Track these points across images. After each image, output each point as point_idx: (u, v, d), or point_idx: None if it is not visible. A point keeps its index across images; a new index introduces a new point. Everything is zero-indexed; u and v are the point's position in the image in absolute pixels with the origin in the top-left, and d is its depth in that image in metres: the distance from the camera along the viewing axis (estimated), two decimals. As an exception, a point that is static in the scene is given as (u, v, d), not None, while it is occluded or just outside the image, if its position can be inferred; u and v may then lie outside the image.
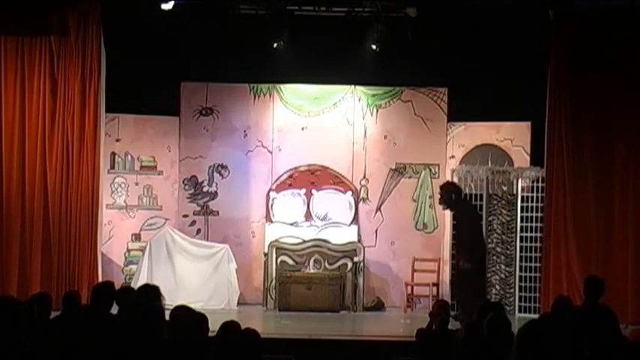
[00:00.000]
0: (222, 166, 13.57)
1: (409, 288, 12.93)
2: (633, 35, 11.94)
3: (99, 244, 12.33)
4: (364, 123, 13.63)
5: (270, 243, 13.02)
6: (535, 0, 12.08)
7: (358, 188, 13.58)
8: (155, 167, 13.55)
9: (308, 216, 13.44)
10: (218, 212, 13.54)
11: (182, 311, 6.28)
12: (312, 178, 13.51)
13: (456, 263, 12.10)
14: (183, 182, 13.54)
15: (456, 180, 13.03)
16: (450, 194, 12.12)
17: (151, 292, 6.99)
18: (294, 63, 13.06)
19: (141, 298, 6.84)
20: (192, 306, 6.63)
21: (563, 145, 12.20)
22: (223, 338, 5.56)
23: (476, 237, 12.01)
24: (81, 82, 12.20)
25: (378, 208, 13.55)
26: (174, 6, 12.11)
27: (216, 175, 13.56)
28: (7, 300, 6.61)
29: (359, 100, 13.65)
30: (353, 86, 13.61)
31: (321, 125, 13.63)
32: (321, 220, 13.38)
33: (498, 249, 12.79)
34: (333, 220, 13.39)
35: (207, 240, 13.27)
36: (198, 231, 13.46)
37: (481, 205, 12.81)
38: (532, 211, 12.69)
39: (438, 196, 12.34)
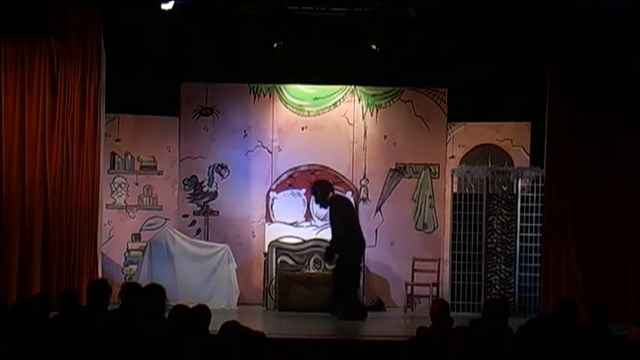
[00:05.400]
0: (222, 166, 13.57)
1: (409, 288, 12.92)
2: (633, 36, 11.95)
3: (99, 244, 12.31)
4: (364, 123, 13.63)
5: (270, 243, 13.02)
6: (535, 0, 12.07)
7: (358, 188, 13.58)
8: (155, 167, 13.54)
9: (308, 216, 13.44)
10: (218, 212, 13.54)
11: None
12: (312, 178, 13.48)
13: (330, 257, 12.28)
14: (183, 182, 13.54)
15: (456, 180, 13.06)
16: (317, 191, 12.36)
17: (158, 292, 7.01)
18: (294, 63, 13.07)
19: (148, 297, 6.86)
20: (191, 306, 6.67)
21: (563, 145, 12.21)
22: (228, 339, 5.57)
23: (351, 234, 12.18)
24: (81, 82, 12.18)
25: (378, 208, 13.56)
26: (174, 6, 12.10)
27: (216, 175, 13.56)
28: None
29: (359, 100, 13.65)
30: (353, 86, 13.61)
31: (321, 125, 13.63)
32: (321, 220, 13.37)
33: (498, 249, 12.80)
34: (333, 220, 13.39)
35: (207, 240, 13.27)
36: (199, 231, 13.46)
37: (481, 205, 12.82)
38: (532, 211, 12.70)
39: (313, 196, 12.53)
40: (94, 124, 12.20)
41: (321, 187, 12.49)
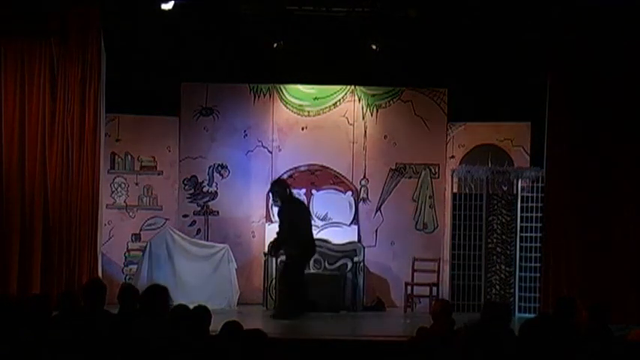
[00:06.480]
0: (222, 166, 13.57)
1: (409, 288, 12.91)
2: (633, 36, 11.95)
3: (99, 244, 12.31)
4: (364, 123, 13.63)
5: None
6: (535, 0, 12.07)
7: (358, 188, 13.58)
8: (155, 167, 13.54)
9: (308, 216, 13.43)
10: (218, 212, 13.54)
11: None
12: (312, 178, 13.51)
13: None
14: (183, 182, 13.54)
15: (456, 180, 13.06)
16: (285, 189, 12.34)
17: (162, 292, 7.02)
18: (294, 63, 13.08)
19: (152, 298, 6.87)
20: (192, 306, 6.67)
21: (563, 145, 12.21)
22: (228, 339, 5.57)
23: (297, 237, 12.12)
24: (81, 82, 12.17)
25: (378, 208, 13.56)
26: (173, 6, 12.10)
27: (216, 175, 13.56)
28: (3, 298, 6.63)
29: (359, 100, 13.65)
30: (353, 86, 13.62)
31: (321, 125, 13.63)
32: (321, 220, 13.38)
33: (498, 249, 12.80)
34: (333, 220, 13.40)
35: (208, 240, 13.27)
36: (199, 231, 13.47)
37: (481, 205, 12.83)
38: (532, 211, 12.70)
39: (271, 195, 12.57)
40: (94, 124, 12.19)
41: (278, 186, 12.45)
